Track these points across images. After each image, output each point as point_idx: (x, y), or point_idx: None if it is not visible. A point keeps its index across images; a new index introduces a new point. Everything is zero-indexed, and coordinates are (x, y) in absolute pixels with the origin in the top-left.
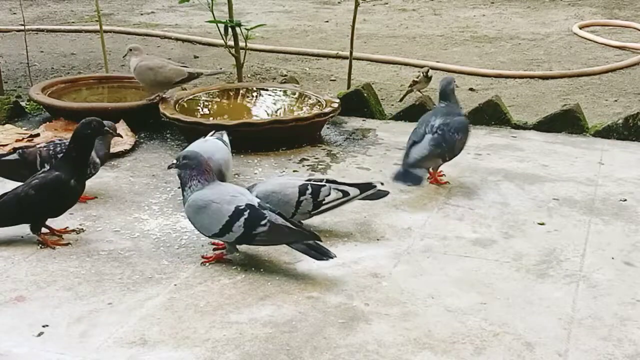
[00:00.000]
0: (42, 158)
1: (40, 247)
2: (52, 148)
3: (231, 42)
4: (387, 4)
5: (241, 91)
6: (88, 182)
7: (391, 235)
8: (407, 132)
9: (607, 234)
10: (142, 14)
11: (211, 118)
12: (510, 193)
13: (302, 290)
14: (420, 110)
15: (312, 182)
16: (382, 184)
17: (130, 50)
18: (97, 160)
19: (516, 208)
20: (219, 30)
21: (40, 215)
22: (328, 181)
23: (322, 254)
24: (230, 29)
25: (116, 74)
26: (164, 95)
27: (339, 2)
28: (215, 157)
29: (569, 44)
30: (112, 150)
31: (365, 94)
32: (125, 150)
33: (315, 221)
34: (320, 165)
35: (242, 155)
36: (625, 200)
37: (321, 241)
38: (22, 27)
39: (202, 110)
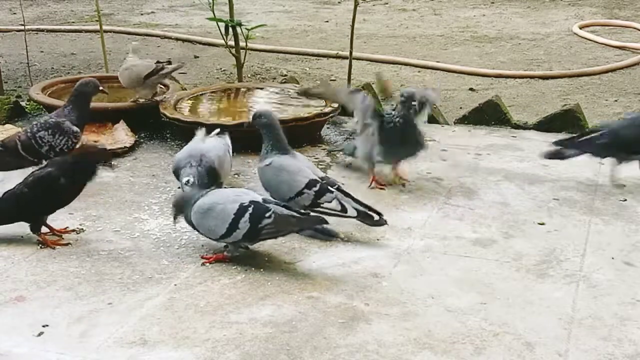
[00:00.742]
0: (22, 142)
1: (40, 247)
2: (29, 130)
3: (231, 42)
4: (387, 4)
5: (241, 91)
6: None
7: (391, 235)
8: None
9: (607, 234)
10: (142, 14)
11: (211, 118)
12: (510, 193)
13: (302, 290)
14: None
15: (324, 182)
16: (381, 216)
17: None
18: (76, 129)
19: (516, 208)
20: (220, 30)
21: (37, 212)
22: (339, 189)
23: (330, 235)
24: (230, 29)
25: (116, 74)
26: (163, 96)
27: (339, 2)
28: (209, 154)
29: (569, 44)
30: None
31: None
32: (124, 148)
33: None
34: (320, 165)
35: (242, 155)
36: (625, 200)
37: (328, 223)
38: (22, 27)
39: (202, 110)
